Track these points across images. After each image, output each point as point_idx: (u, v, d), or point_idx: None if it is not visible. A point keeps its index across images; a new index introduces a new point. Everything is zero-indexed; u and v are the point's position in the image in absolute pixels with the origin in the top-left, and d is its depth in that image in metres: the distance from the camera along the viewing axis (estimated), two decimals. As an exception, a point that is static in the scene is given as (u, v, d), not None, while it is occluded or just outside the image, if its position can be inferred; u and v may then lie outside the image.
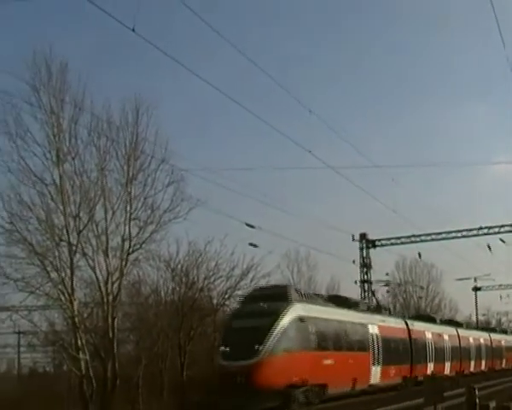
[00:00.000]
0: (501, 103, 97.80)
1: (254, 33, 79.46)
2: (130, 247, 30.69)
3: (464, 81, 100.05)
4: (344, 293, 42.50)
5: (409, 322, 39.65)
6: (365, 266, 49.81)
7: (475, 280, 70.79)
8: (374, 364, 32.02)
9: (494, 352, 56.52)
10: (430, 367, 40.05)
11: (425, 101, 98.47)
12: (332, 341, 28.18)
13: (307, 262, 58.05)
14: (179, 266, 34.96)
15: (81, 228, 29.69)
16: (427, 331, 41.40)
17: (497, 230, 47.81)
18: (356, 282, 49.37)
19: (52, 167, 29.47)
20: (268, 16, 77.52)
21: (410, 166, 67.21)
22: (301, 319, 25.24)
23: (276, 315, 24.27)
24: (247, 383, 22.62)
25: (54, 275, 29.42)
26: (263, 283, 33.13)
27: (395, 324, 37.50)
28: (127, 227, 30.77)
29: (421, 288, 69.65)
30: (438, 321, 47.04)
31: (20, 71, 28.22)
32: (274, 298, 25.21)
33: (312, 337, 25.97)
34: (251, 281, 35.27)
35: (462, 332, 48.76)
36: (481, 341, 53.63)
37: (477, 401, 18.59)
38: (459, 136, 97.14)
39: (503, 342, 61.16)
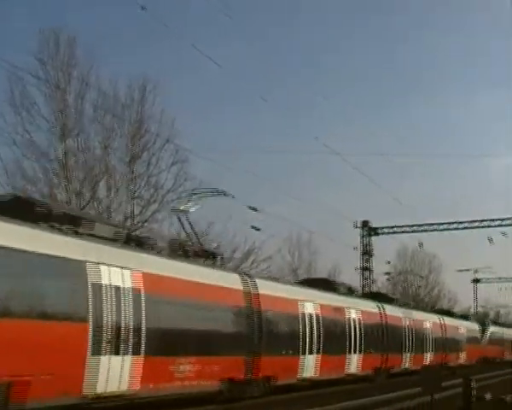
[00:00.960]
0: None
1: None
2: (132, 225, 30.70)
3: (476, 72, 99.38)
4: (345, 280, 39.44)
5: (259, 282, 21.69)
6: (366, 253, 49.84)
7: (476, 272, 70.84)
8: (94, 352, 13.93)
9: (448, 342, 42.25)
10: (309, 362, 23.79)
11: (436, 91, 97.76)
12: None
13: (309, 247, 57.97)
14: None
15: (83, 205, 29.69)
16: (309, 303, 24.41)
17: (498, 222, 47.90)
18: (356, 269, 49.51)
19: (57, 143, 29.50)
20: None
21: (417, 155, 67.15)
22: None
23: None
24: None
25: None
26: (263, 267, 32.50)
27: (208, 279, 18.65)
28: (130, 206, 30.82)
29: (421, 277, 69.71)
30: (342, 289, 30.37)
31: (28, 45, 28.25)
32: None
33: None
34: (251, 264, 35.34)
35: (391, 310, 33.70)
36: (427, 325, 39.08)
37: (473, 392, 18.55)
38: (469, 127, 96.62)
39: (462, 331, 46.50)
